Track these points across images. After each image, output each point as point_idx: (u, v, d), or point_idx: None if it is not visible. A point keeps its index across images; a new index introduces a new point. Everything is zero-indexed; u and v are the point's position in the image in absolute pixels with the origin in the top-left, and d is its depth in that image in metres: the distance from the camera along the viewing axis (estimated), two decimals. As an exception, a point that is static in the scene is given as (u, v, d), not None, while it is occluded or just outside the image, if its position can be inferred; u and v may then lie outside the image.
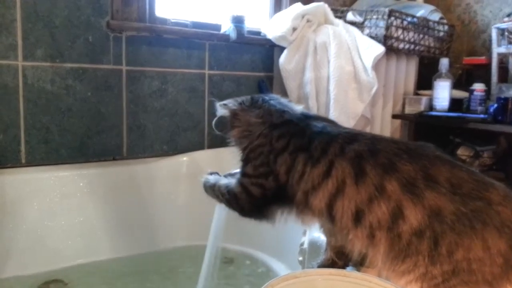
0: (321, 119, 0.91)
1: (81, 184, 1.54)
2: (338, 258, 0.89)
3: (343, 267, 0.89)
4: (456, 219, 0.67)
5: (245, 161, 0.91)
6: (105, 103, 1.64)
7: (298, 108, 0.96)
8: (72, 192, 1.51)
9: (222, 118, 1.01)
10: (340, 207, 0.75)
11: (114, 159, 1.69)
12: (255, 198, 0.87)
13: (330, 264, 0.89)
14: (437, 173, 0.70)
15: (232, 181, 0.92)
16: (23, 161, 1.50)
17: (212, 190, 0.96)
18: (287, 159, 0.82)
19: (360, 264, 0.88)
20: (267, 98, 0.96)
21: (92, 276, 1.41)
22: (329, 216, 0.77)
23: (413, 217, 0.69)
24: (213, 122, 1.04)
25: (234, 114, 0.96)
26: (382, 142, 0.78)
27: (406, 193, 0.70)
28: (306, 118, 0.90)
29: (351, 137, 0.80)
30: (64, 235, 1.45)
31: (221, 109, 0.98)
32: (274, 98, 0.97)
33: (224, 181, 0.95)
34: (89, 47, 1.58)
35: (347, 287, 0.69)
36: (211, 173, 1.04)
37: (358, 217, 0.73)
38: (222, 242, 1.09)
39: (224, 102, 0.98)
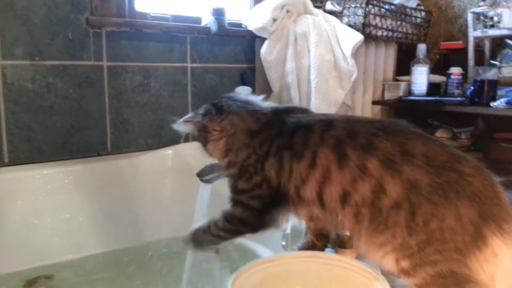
0: (294, 110, 0.91)
1: (66, 181, 1.54)
2: (318, 240, 0.92)
3: (322, 248, 0.92)
4: (431, 190, 0.70)
5: (237, 176, 0.87)
6: (88, 100, 1.64)
7: (263, 102, 0.94)
8: (57, 189, 1.51)
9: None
10: (329, 193, 0.77)
11: (98, 154, 1.69)
12: (258, 210, 0.85)
13: (310, 246, 0.92)
14: (413, 148, 0.73)
15: (225, 211, 0.88)
16: (6, 160, 1.50)
17: (208, 233, 0.88)
18: (274, 162, 0.83)
19: (338, 245, 0.91)
20: (228, 100, 0.92)
21: (79, 271, 1.42)
22: (320, 203, 0.79)
23: (393, 190, 0.72)
24: (181, 140, 0.97)
25: (202, 128, 0.91)
26: (358, 124, 0.81)
27: (386, 169, 0.73)
28: (280, 114, 0.89)
29: (328, 124, 0.82)
30: (50, 232, 1.45)
31: (185, 126, 0.93)
32: (236, 98, 0.93)
33: (215, 218, 0.89)
34: (69, 44, 1.57)
35: (320, 268, 0.72)
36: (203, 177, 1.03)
37: (345, 198, 0.76)
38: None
39: (185, 118, 0.93)
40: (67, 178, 1.54)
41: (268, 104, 0.94)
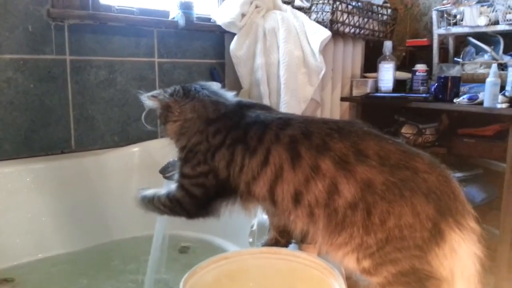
0: (256, 106, 0.92)
1: (28, 179, 1.49)
2: (281, 237, 0.92)
3: (286, 244, 0.92)
4: (386, 189, 0.71)
5: (183, 160, 0.89)
6: (50, 95, 1.59)
7: (231, 96, 0.95)
8: (19, 188, 1.46)
9: (151, 110, 0.97)
10: (280, 192, 0.77)
11: (62, 152, 1.64)
12: (198, 198, 0.86)
13: (273, 243, 0.92)
14: (366, 148, 0.74)
15: (171, 189, 0.90)
16: (-37, 158, 1.43)
17: (152, 204, 0.93)
18: (225, 153, 0.83)
19: (301, 241, 0.92)
20: (198, 87, 0.94)
21: (43, 272, 1.38)
22: (271, 201, 0.79)
23: (347, 191, 0.72)
24: (143, 116, 0.98)
25: (166, 106, 0.92)
26: (313, 124, 0.81)
27: (339, 170, 0.73)
28: (241, 108, 0.90)
29: (284, 122, 0.82)
30: (12, 232, 1.40)
31: (150, 101, 0.94)
32: (207, 87, 0.95)
33: (162, 191, 0.92)
34: (29, 36, 1.51)
35: (277, 264, 0.73)
36: (166, 173, 1.02)
37: (297, 198, 0.76)
38: (168, 230, 1.10)
39: (153, 93, 0.94)
40: (29, 176, 1.49)
41: (234, 98, 0.95)
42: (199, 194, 0.86)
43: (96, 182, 1.60)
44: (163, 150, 1.69)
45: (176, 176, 0.90)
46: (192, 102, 0.91)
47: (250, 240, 1.10)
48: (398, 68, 2.08)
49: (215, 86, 0.99)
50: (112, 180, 1.64)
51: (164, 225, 1.09)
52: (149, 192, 0.95)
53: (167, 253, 1.18)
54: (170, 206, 0.90)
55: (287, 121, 0.83)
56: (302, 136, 0.78)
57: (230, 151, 0.83)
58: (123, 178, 1.66)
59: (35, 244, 1.44)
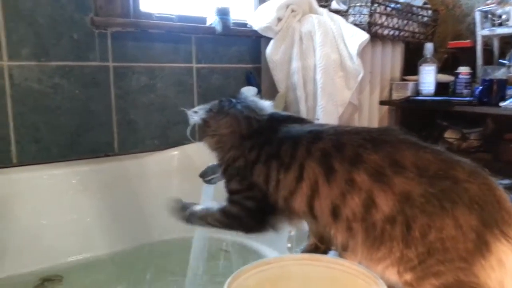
0: (289, 119, 0.92)
1: (74, 181, 1.54)
2: (321, 243, 0.91)
3: (325, 250, 0.91)
4: (425, 201, 0.68)
5: (227, 177, 0.91)
6: (94, 100, 1.65)
7: (268, 106, 0.96)
8: (65, 189, 1.51)
9: (195, 126, 1.00)
10: (318, 207, 0.76)
11: (106, 155, 1.70)
12: (253, 211, 0.86)
13: (313, 249, 0.91)
14: (403, 158, 0.71)
15: (223, 205, 0.90)
16: (14, 160, 1.51)
17: (203, 220, 0.93)
18: (262, 169, 0.84)
19: (342, 248, 0.90)
20: (234, 101, 0.96)
21: (88, 271, 1.43)
22: (311, 216, 0.79)
23: (385, 204, 0.70)
24: (187, 131, 1.02)
25: (204, 122, 0.96)
26: (345, 135, 0.79)
27: (375, 182, 0.71)
28: (273, 122, 0.91)
29: (315, 136, 0.81)
30: (58, 232, 1.46)
31: (193, 116, 0.98)
32: (242, 101, 0.96)
33: (214, 208, 0.92)
34: (75, 44, 1.58)
35: (319, 271, 0.72)
36: (206, 177, 1.04)
37: (335, 213, 0.75)
38: (209, 233, 1.11)
39: (195, 109, 0.98)
40: (74, 178, 1.55)
41: (268, 111, 0.95)
42: (252, 207, 0.86)
43: (137, 185, 1.65)
44: (202, 154, 1.73)
45: (226, 194, 0.91)
46: (226, 118, 0.93)
47: (289, 245, 1.09)
48: (440, 70, 2.02)
49: (251, 91, 1.00)
50: (152, 183, 1.67)
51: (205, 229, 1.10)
52: (198, 208, 0.95)
53: (207, 256, 1.20)
54: (227, 222, 0.89)
55: (317, 134, 0.81)
56: (334, 149, 0.77)
57: (266, 166, 0.83)
58: (163, 180, 1.69)
59: (81, 244, 1.49)
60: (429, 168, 0.70)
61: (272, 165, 0.82)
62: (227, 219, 0.89)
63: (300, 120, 0.94)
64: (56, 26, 1.53)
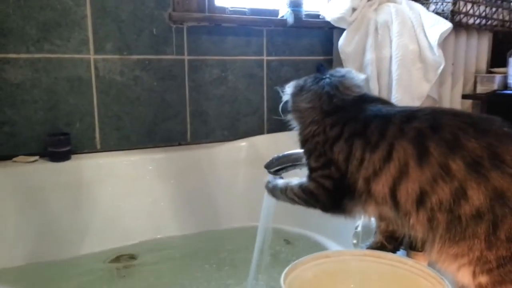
0: (378, 100, 0.89)
1: (150, 167, 1.64)
2: (388, 242, 0.87)
3: (393, 251, 0.86)
4: None
5: (306, 152, 0.90)
6: (170, 92, 1.74)
7: (358, 86, 0.91)
8: (142, 175, 1.62)
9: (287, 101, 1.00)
10: (404, 191, 0.71)
11: (179, 144, 1.79)
12: (330, 190, 0.84)
13: (379, 247, 0.87)
14: (504, 152, 0.66)
15: (303, 180, 0.90)
16: (98, 147, 1.64)
17: (284, 194, 0.94)
18: (343, 146, 0.80)
19: (410, 248, 0.86)
20: (319, 77, 0.93)
21: (159, 251, 1.51)
22: (393, 202, 0.73)
23: (476, 197, 0.65)
24: (280, 107, 1.04)
25: (291, 97, 0.96)
26: (444, 116, 0.73)
27: (471, 173, 0.66)
28: (362, 101, 0.87)
29: (409, 115, 0.76)
30: (134, 214, 1.57)
31: (285, 92, 0.99)
32: (329, 77, 0.92)
33: (294, 182, 0.92)
34: (153, 39, 1.67)
35: (380, 268, 0.69)
36: (271, 169, 1.05)
37: (421, 200, 0.70)
38: (272, 223, 1.11)
39: (289, 84, 0.99)
40: (151, 165, 1.65)
41: (358, 90, 0.91)
42: (329, 186, 0.84)
43: (207, 173, 1.71)
44: (269, 145, 1.75)
45: (306, 170, 0.91)
46: (307, 94, 0.92)
47: (354, 241, 1.06)
48: (534, 61, 1.83)
49: (343, 71, 0.97)
50: (221, 172, 1.73)
51: (269, 218, 1.11)
52: (280, 182, 0.97)
53: (271, 246, 1.21)
54: (305, 198, 0.89)
55: (412, 113, 0.76)
56: (430, 130, 0.71)
57: (348, 144, 0.80)
58: (232, 170, 1.74)
59: (154, 226, 1.59)
60: None
61: (355, 143, 0.78)
62: (305, 195, 0.88)
63: (389, 103, 0.90)
64: (137, 22, 1.63)
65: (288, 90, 0.98)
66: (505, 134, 0.69)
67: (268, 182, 1.00)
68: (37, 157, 1.50)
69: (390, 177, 0.73)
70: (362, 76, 0.95)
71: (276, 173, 1.11)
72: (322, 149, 0.84)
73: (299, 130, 0.93)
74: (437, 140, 0.69)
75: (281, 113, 1.00)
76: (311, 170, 0.88)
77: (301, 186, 0.89)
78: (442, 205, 0.67)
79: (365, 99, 0.88)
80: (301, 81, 0.97)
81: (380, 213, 0.79)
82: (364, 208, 0.80)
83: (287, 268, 0.71)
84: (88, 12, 1.54)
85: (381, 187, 0.74)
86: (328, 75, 0.93)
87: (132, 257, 1.47)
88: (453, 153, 0.67)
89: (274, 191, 0.97)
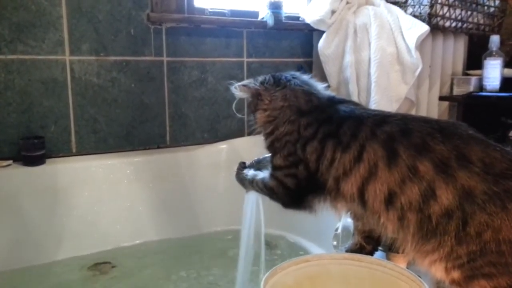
0: (348, 102, 0.90)
1: (128, 171, 1.61)
2: (366, 243, 0.88)
3: (371, 251, 0.88)
4: (487, 199, 0.65)
5: (272, 151, 0.90)
6: (148, 94, 1.71)
7: (323, 88, 0.93)
8: (120, 179, 1.58)
9: (241, 100, 0.99)
10: (372, 191, 0.74)
11: (158, 147, 1.76)
12: (291, 189, 0.86)
13: (357, 248, 0.88)
14: (471, 153, 0.68)
15: (265, 177, 0.91)
16: (74, 150, 1.60)
17: (251, 185, 0.96)
18: (316, 147, 0.81)
19: (389, 249, 0.86)
20: (289, 76, 0.93)
21: (138, 257, 1.48)
22: (360, 201, 0.76)
23: (445, 197, 0.67)
24: (233, 105, 1.02)
25: (256, 95, 0.93)
26: (413, 122, 0.76)
27: (439, 174, 0.68)
28: (334, 102, 0.88)
29: (381, 119, 0.78)
30: (112, 219, 1.53)
31: (239, 91, 0.95)
32: (297, 77, 0.93)
33: (260, 176, 0.94)
34: (131, 40, 1.64)
35: (360, 271, 0.69)
36: (244, 166, 1.05)
37: (390, 200, 0.72)
38: (253, 227, 1.10)
39: (243, 82, 0.96)
40: (129, 168, 1.61)
41: (326, 91, 0.93)
42: (291, 185, 0.85)
43: (187, 176, 1.69)
44: (249, 148, 1.74)
45: (269, 167, 0.92)
46: (283, 90, 0.90)
47: (334, 243, 1.06)
48: (507, 64, 1.87)
49: (305, 76, 0.97)
50: (201, 175, 1.71)
51: (252, 221, 1.09)
52: (250, 173, 0.98)
53: (255, 249, 1.20)
54: (267, 192, 0.91)
55: (384, 117, 0.78)
56: (400, 134, 0.73)
57: (321, 144, 0.81)
58: (212, 173, 1.72)
59: (133, 231, 1.56)
60: (496, 166, 0.67)
61: (328, 144, 0.80)
62: (267, 190, 0.91)
63: (360, 106, 0.91)
64: (114, 22, 1.60)
65: (250, 87, 0.93)
66: (471, 137, 0.71)
67: (239, 172, 1.01)
68: (10, 162, 1.45)
69: (359, 178, 0.75)
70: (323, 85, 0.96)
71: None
72: (293, 148, 0.85)
73: (268, 130, 0.90)
74: (406, 143, 0.72)
75: (235, 111, 0.99)
76: (274, 168, 0.89)
77: (263, 181, 0.92)
78: (412, 205, 0.69)
79: (337, 100, 0.90)
80: (263, 79, 0.94)
81: (349, 209, 0.82)
82: (333, 204, 0.83)
83: (267, 274, 0.70)
84: (64, 12, 1.50)
85: (349, 186, 0.76)
86: (292, 75, 0.93)
87: (109, 263, 1.43)
88: (421, 155, 0.70)
89: (243, 181, 0.99)
